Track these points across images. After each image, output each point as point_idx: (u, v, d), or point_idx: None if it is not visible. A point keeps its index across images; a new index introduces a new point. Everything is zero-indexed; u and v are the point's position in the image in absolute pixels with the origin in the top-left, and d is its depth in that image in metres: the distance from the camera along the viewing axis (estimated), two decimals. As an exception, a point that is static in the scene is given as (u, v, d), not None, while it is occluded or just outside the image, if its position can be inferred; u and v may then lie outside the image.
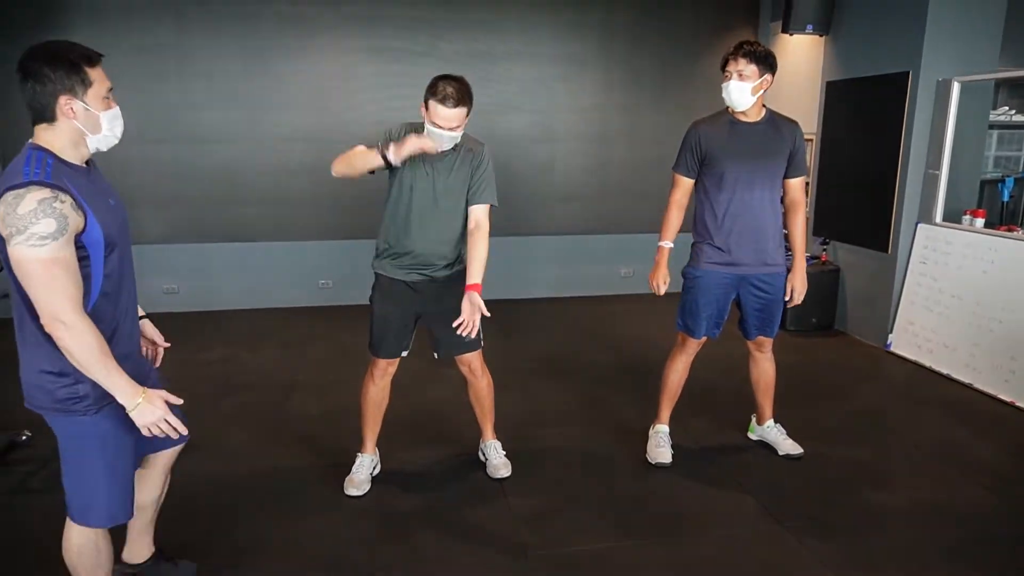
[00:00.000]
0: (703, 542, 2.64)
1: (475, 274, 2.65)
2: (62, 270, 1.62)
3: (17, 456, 3.21)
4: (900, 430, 3.63)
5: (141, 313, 2.17)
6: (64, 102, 1.69)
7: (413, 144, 2.47)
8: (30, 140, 1.73)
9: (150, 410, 1.75)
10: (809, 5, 5.13)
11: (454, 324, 2.57)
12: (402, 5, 5.57)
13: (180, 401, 1.87)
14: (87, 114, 1.72)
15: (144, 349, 2.20)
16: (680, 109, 5.95)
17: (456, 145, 2.70)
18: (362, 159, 2.58)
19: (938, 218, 4.60)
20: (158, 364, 2.19)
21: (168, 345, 2.21)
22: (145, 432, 1.78)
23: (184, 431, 1.84)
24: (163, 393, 1.82)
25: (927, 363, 4.53)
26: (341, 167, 2.65)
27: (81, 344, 1.65)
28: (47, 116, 1.70)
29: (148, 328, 2.18)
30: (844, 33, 5.14)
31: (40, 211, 1.58)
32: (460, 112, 2.55)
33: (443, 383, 4.08)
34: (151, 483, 2.21)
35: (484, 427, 3.17)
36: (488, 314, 2.60)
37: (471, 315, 2.57)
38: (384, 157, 2.52)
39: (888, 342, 4.85)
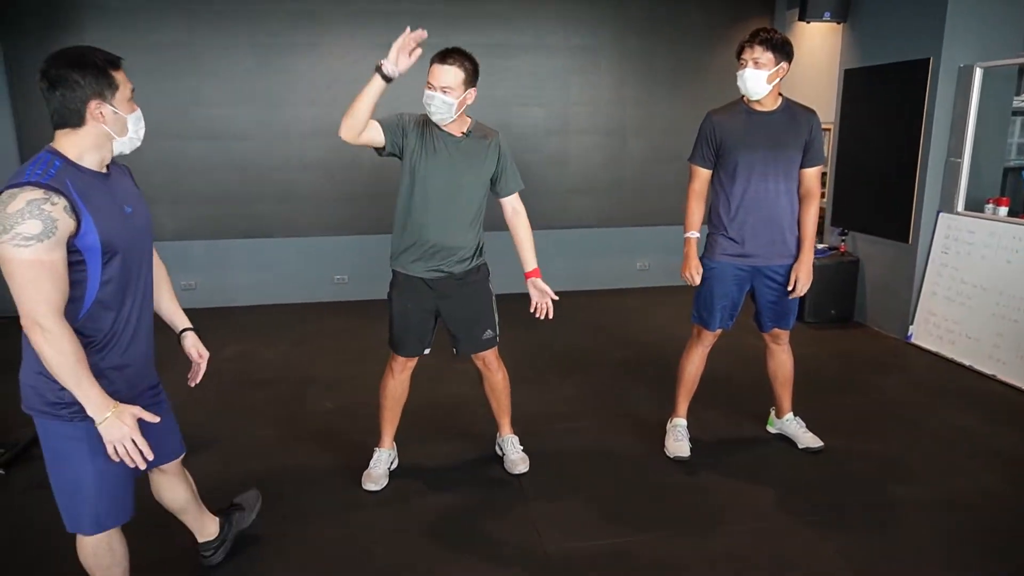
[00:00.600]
0: (722, 536, 2.62)
1: (530, 260, 2.85)
2: (46, 273, 1.60)
3: (38, 451, 3.24)
4: (922, 422, 3.57)
5: (187, 325, 2.17)
6: (94, 106, 1.69)
7: (399, 42, 2.33)
8: (49, 144, 1.72)
9: (117, 426, 1.69)
10: (827, -8, 5.06)
11: (531, 309, 2.78)
12: (414, -1, 5.56)
13: (155, 419, 1.78)
14: (115, 117, 1.73)
15: (192, 368, 2.20)
16: (695, 100, 5.89)
17: (468, 132, 2.69)
18: (362, 94, 2.40)
19: (960, 207, 4.53)
20: (197, 381, 2.17)
21: (207, 358, 2.19)
22: (110, 450, 1.72)
23: (150, 456, 1.74)
24: (136, 410, 1.74)
25: (949, 354, 4.46)
26: (346, 120, 2.44)
27: (55, 350, 1.62)
28: (74, 121, 1.69)
29: (189, 342, 2.16)
30: (863, 20, 5.06)
31: (27, 211, 1.57)
32: (453, 71, 2.52)
33: (461, 378, 4.08)
34: (170, 487, 2.24)
35: (501, 421, 3.16)
36: (555, 297, 2.81)
37: (541, 299, 2.79)
38: (381, 72, 2.35)
39: (909, 333, 4.78)
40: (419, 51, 2.38)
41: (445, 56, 2.53)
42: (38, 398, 1.76)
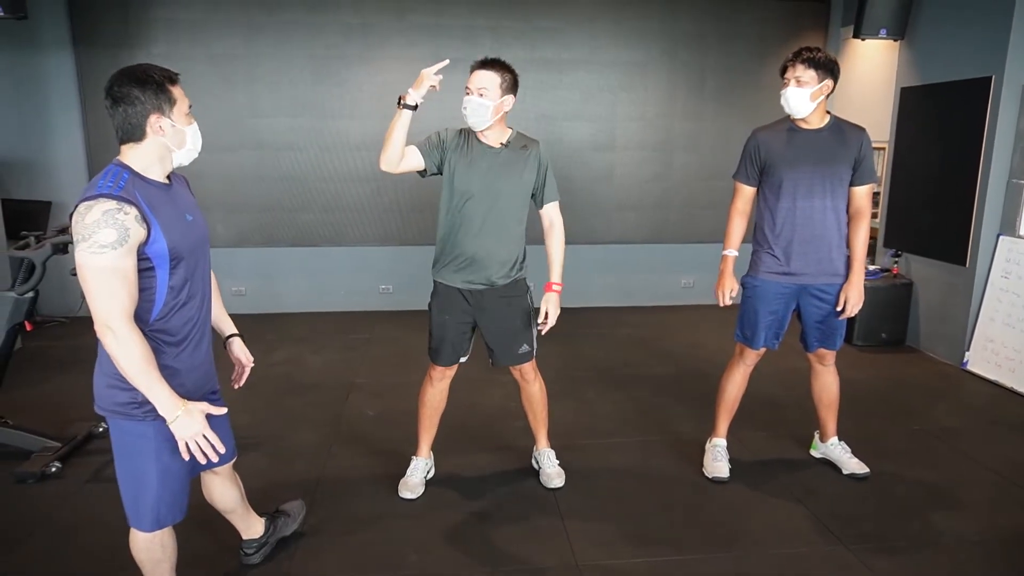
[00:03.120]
0: (761, 560, 2.56)
1: (554, 273, 2.83)
2: (119, 279, 1.70)
3: (93, 447, 3.38)
4: (976, 452, 3.44)
5: (233, 331, 2.26)
6: (154, 120, 1.79)
7: (432, 70, 2.55)
8: (116, 158, 1.83)
9: (188, 423, 1.78)
10: (884, 8, 4.93)
11: (539, 319, 2.77)
12: (465, 14, 5.64)
13: (223, 411, 1.90)
14: (174, 130, 1.83)
15: (235, 371, 2.28)
16: (745, 117, 5.81)
17: (507, 142, 2.73)
18: (392, 127, 2.59)
19: (1023, 230, 4.36)
20: (241, 384, 2.25)
21: (252, 363, 2.27)
22: (182, 447, 1.80)
23: (222, 449, 1.85)
24: (203, 406, 1.83)
25: (1008, 383, 4.29)
26: (383, 154, 2.63)
27: (127, 353, 1.71)
28: (136, 136, 1.80)
29: (236, 347, 2.25)
30: (921, 37, 4.94)
31: (103, 221, 1.67)
32: (490, 75, 2.60)
33: (499, 389, 4.09)
34: (222, 489, 2.31)
35: (538, 434, 3.16)
36: (551, 323, 2.78)
37: (549, 315, 2.77)
38: (403, 104, 2.55)
39: (964, 360, 4.61)
40: (440, 77, 2.58)
41: (483, 63, 2.64)
42: (110, 399, 1.85)
